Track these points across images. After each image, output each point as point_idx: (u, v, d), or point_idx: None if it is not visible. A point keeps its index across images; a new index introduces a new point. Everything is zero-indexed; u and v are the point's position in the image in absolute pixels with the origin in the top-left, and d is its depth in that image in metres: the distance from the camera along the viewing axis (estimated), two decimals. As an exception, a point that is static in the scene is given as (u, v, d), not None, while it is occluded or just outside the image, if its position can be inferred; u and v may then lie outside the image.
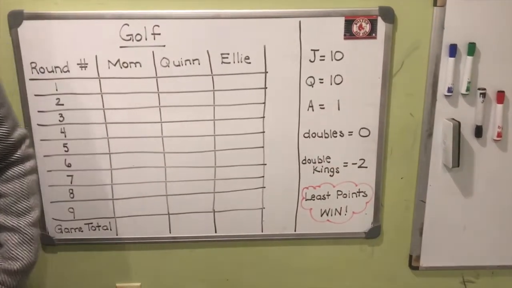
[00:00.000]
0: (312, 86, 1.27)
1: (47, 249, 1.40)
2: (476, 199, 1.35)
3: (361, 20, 1.22)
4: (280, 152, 1.31)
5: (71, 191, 1.33)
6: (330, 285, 1.47)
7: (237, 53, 1.23)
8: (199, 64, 1.24)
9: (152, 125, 1.28)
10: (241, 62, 1.24)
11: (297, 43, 1.23)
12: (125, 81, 1.24)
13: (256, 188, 1.34)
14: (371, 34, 1.23)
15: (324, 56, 1.24)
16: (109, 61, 1.23)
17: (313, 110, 1.29)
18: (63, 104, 1.26)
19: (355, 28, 1.22)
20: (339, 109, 1.29)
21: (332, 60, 1.24)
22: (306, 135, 1.31)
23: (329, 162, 1.33)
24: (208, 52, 1.23)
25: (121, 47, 1.22)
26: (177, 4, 1.21)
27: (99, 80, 1.24)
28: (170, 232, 1.38)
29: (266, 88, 1.27)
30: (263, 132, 1.30)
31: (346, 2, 1.22)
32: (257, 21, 1.21)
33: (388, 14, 1.22)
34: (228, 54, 1.23)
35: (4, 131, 0.92)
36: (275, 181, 1.34)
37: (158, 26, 1.21)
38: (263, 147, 1.31)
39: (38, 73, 1.23)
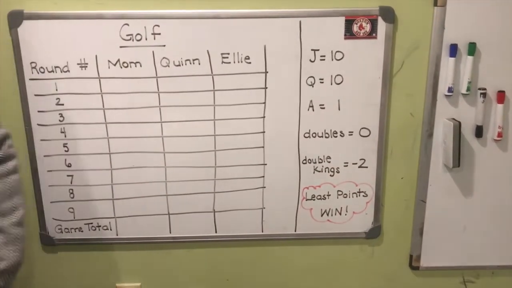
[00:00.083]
0: (313, 86, 1.27)
1: (47, 249, 1.40)
2: (477, 199, 1.35)
3: (362, 20, 1.22)
4: (280, 152, 1.31)
5: (71, 191, 1.33)
6: (331, 285, 1.47)
7: (237, 53, 1.23)
8: (199, 64, 1.24)
9: (152, 125, 1.28)
10: (241, 62, 1.24)
11: (298, 43, 1.23)
12: (125, 81, 1.24)
13: (256, 188, 1.34)
14: (372, 34, 1.23)
15: (324, 56, 1.24)
16: (109, 61, 1.23)
17: (313, 110, 1.28)
18: (63, 104, 1.26)
19: (355, 28, 1.22)
20: (339, 109, 1.28)
21: (332, 60, 1.24)
22: (307, 135, 1.31)
23: (329, 162, 1.33)
24: (208, 52, 1.23)
25: (121, 47, 1.22)
26: (177, 4, 1.21)
27: (99, 80, 1.24)
28: (170, 232, 1.38)
29: (266, 88, 1.26)
30: (263, 132, 1.30)
31: (346, 2, 1.21)
32: (257, 21, 1.21)
33: (388, 14, 1.22)
34: (228, 54, 1.23)
35: None
36: (276, 181, 1.34)
37: (158, 26, 1.20)
38: (263, 147, 1.31)
39: (38, 73, 1.23)
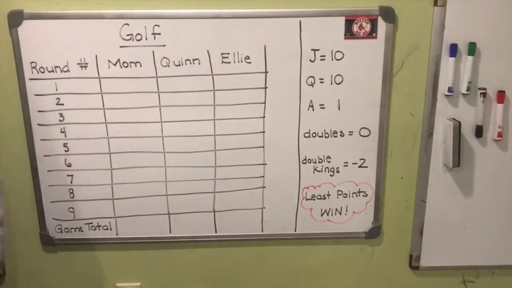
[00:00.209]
0: (313, 86, 1.27)
1: (47, 249, 1.40)
2: (477, 199, 1.35)
3: (362, 20, 1.22)
4: (281, 152, 1.31)
5: (71, 190, 1.33)
6: (330, 285, 1.47)
7: (237, 52, 1.23)
8: (199, 64, 1.24)
9: (152, 125, 1.28)
10: (241, 62, 1.24)
11: (298, 43, 1.23)
12: (125, 81, 1.24)
13: (256, 188, 1.34)
14: (372, 33, 1.23)
15: (324, 56, 1.24)
16: (109, 60, 1.23)
17: (313, 110, 1.28)
18: (63, 104, 1.26)
19: (355, 27, 1.22)
20: (339, 109, 1.28)
21: (332, 60, 1.24)
22: (307, 135, 1.30)
23: (329, 162, 1.33)
24: (208, 52, 1.23)
25: (121, 46, 1.22)
26: (177, 4, 1.21)
27: (99, 80, 1.24)
28: (170, 232, 1.38)
29: (266, 88, 1.26)
30: (263, 132, 1.30)
31: (346, 2, 1.21)
32: (257, 20, 1.21)
33: (388, 14, 1.22)
34: (228, 53, 1.23)
35: None
36: (276, 181, 1.34)
37: (158, 26, 1.20)
38: (263, 147, 1.31)
39: (38, 72, 1.23)
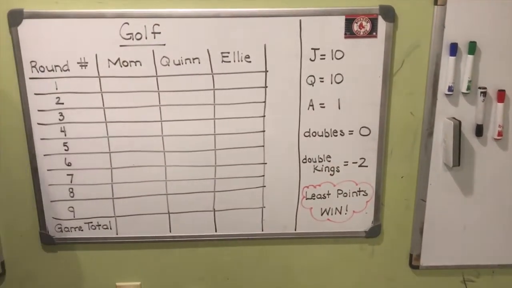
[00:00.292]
0: (313, 85, 1.27)
1: (47, 248, 1.40)
2: (477, 198, 1.35)
3: (362, 19, 1.22)
4: (281, 151, 1.31)
5: (71, 190, 1.33)
6: (330, 284, 1.47)
7: (238, 52, 1.23)
8: (199, 63, 1.24)
9: (152, 124, 1.28)
10: (242, 61, 1.24)
11: (298, 42, 1.23)
12: (125, 80, 1.24)
13: (257, 187, 1.34)
14: (372, 33, 1.23)
15: (324, 55, 1.24)
16: (109, 60, 1.23)
17: (313, 109, 1.28)
18: (63, 103, 1.26)
19: (355, 27, 1.22)
20: (339, 108, 1.28)
21: (332, 59, 1.24)
22: (307, 134, 1.30)
23: (329, 161, 1.33)
24: (208, 51, 1.23)
25: (121, 46, 1.22)
26: (177, 3, 1.21)
27: (99, 79, 1.24)
28: (170, 231, 1.38)
29: (266, 87, 1.26)
30: (264, 131, 1.30)
31: (346, 1, 1.21)
32: (258, 20, 1.21)
33: (388, 13, 1.22)
34: (229, 53, 1.23)
35: None
36: (276, 180, 1.34)
37: (158, 25, 1.20)
38: (263, 146, 1.31)
39: (38, 72, 1.23)
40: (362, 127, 1.30)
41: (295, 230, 1.39)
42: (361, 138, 1.31)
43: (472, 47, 1.22)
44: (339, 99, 1.28)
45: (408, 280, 1.46)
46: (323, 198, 1.36)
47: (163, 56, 1.23)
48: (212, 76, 1.25)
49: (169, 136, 1.29)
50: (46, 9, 1.20)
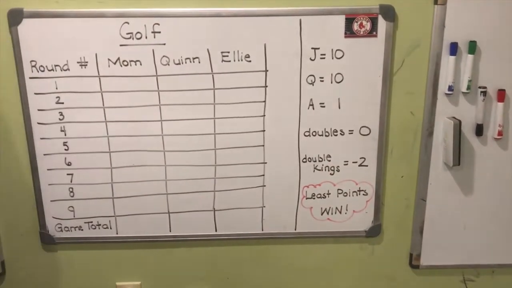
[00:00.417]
0: (313, 85, 1.27)
1: (47, 248, 1.40)
2: (477, 198, 1.35)
3: (362, 18, 1.22)
4: (281, 150, 1.31)
5: (71, 189, 1.33)
6: (331, 283, 1.47)
7: (238, 51, 1.23)
8: (199, 62, 1.24)
9: (152, 123, 1.28)
10: (242, 60, 1.24)
11: (298, 41, 1.23)
12: (125, 80, 1.24)
13: (257, 187, 1.34)
14: (372, 32, 1.23)
15: (324, 55, 1.24)
16: (109, 59, 1.23)
17: (313, 108, 1.28)
18: (63, 103, 1.26)
19: (355, 26, 1.22)
20: (339, 108, 1.28)
21: (332, 58, 1.24)
22: (307, 133, 1.30)
23: (329, 160, 1.33)
24: (208, 51, 1.23)
25: (121, 45, 1.22)
26: (177, 2, 1.21)
27: (99, 79, 1.24)
28: (170, 231, 1.38)
29: (266, 86, 1.26)
30: (264, 130, 1.30)
31: (346, 0, 1.21)
32: (258, 19, 1.21)
33: (388, 12, 1.22)
34: (229, 52, 1.23)
35: None
36: (276, 180, 1.34)
37: (158, 24, 1.20)
38: (263, 145, 1.31)
39: (38, 71, 1.23)
40: (362, 126, 1.30)
41: (295, 229, 1.39)
42: (361, 137, 1.31)
43: (472, 47, 1.22)
44: (339, 99, 1.28)
45: (408, 280, 1.46)
46: (323, 197, 1.36)
47: (163, 56, 1.23)
48: (212, 75, 1.25)
49: (169, 136, 1.29)
50: (46, 9, 1.20)
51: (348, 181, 1.35)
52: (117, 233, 1.37)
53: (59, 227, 1.36)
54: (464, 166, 1.32)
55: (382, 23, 1.22)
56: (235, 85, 1.26)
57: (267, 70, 1.25)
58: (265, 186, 1.34)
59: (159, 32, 1.21)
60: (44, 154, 1.30)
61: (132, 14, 1.20)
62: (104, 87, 1.25)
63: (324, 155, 1.33)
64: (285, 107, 1.28)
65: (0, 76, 1.25)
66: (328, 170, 1.34)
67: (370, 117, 1.29)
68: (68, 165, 1.31)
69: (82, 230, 1.37)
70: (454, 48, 1.23)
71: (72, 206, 1.34)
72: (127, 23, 1.20)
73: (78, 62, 1.23)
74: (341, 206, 1.37)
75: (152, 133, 1.29)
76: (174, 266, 1.43)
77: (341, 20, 1.21)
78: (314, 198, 1.36)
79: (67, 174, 1.31)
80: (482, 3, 1.20)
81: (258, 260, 1.43)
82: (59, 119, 1.27)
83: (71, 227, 1.36)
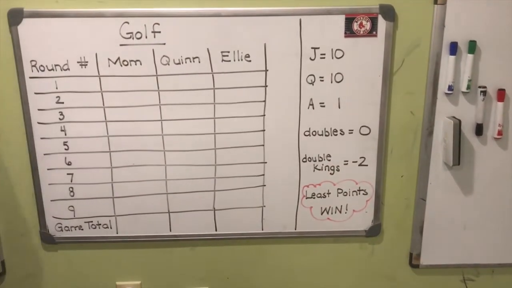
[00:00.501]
0: (313, 84, 1.27)
1: (48, 248, 1.40)
2: (477, 197, 1.35)
3: (362, 18, 1.22)
4: (281, 150, 1.31)
5: (71, 189, 1.33)
6: (331, 283, 1.47)
7: (238, 51, 1.23)
8: (199, 62, 1.24)
9: (152, 123, 1.28)
10: (242, 60, 1.24)
11: (298, 41, 1.23)
12: (125, 79, 1.24)
13: (257, 187, 1.34)
14: (372, 32, 1.23)
15: (324, 54, 1.24)
16: (109, 59, 1.23)
17: (313, 108, 1.28)
18: (63, 102, 1.26)
19: (355, 26, 1.22)
20: (339, 107, 1.28)
21: (332, 58, 1.24)
22: (307, 133, 1.30)
23: (329, 160, 1.33)
24: (208, 50, 1.23)
25: (121, 45, 1.22)
26: (177, 2, 1.21)
27: (99, 78, 1.24)
28: (170, 231, 1.38)
29: (266, 86, 1.26)
30: (264, 130, 1.30)
31: (346, 0, 1.21)
32: (258, 19, 1.21)
33: (388, 12, 1.22)
34: (229, 52, 1.23)
35: None
36: (276, 180, 1.34)
37: (158, 24, 1.20)
38: (263, 145, 1.31)
39: (38, 71, 1.23)
40: (362, 126, 1.30)
41: (295, 229, 1.39)
42: (361, 137, 1.31)
43: (472, 46, 1.22)
44: (339, 98, 1.28)
45: (408, 279, 1.46)
46: (323, 197, 1.36)
47: (163, 55, 1.23)
48: (212, 75, 1.25)
49: (169, 135, 1.29)
50: (46, 8, 1.20)
51: (348, 180, 1.35)
52: (117, 233, 1.37)
53: (59, 227, 1.36)
54: (464, 165, 1.32)
55: (382, 23, 1.22)
56: (235, 85, 1.26)
57: (267, 70, 1.25)
58: (265, 185, 1.34)
59: (159, 32, 1.21)
60: (44, 154, 1.30)
61: (132, 14, 1.20)
62: (104, 87, 1.25)
63: (324, 154, 1.33)
64: (285, 107, 1.28)
65: (0, 76, 1.25)
66: (328, 170, 1.34)
67: (370, 116, 1.29)
68: (68, 164, 1.31)
69: (82, 229, 1.37)
70: (454, 48, 1.23)
71: (72, 206, 1.34)
72: (127, 23, 1.20)
73: (78, 62, 1.23)
74: (341, 206, 1.37)
75: (152, 133, 1.29)
76: (174, 265, 1.43)
77: (341, 20, 1.21)
78: (314, 198, 1.36)
79: (67, 174, 1.32)
80: (482, 3, 1.20)
81: (258, 260, 1.44)
82: (59, 118, 1.27)
83: (71, 227, 1.36)
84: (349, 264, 1.45)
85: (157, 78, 1.24)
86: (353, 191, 1.36)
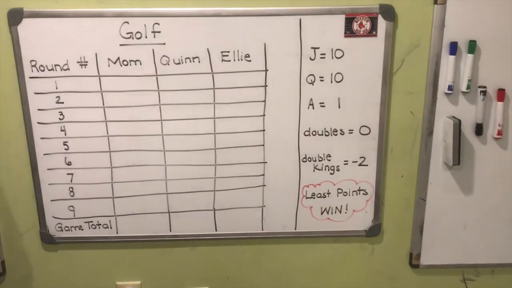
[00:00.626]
0: (313, 84, 1.27)
1: (48, 248, 1.40)
2: (477, 197, 1.35)
3: (362, 18, 1.22)
4: (281, 150, 1.31)
5: (71, 189, 1.33)
6: (330, 283, 1.47)
7: (238, 51, 1.23)
8: (199, 62, 1.24)
9: (152, 123, 1.28)
10: (242, 60, 1.24)
11: (298, 41, 1.23)
12: (125, 79, 1.24)
13: (257, 187, 1.34)
14: (372, 32, 1.23)
15: (324, 54, 1.24)
16: (109, 59, 1.23)
17: (313, 108, 1.28)
18: (63, 102, 1.26)
19: (355, 26, 1.22)
20: (339, 107, 1.28)
21: (332, 58, 1.24)
22: (307, 133, 1.30)
23: (329, 160, 1.33)
24: (208, 50, 1.23)
25: (121, 45, 1.22)
26: (177, 2, 1.21)
27: (99, 78, 1.24)
28: (170, 231, 1.38)
29: (266, 86, 1.26)
30: (264, 130, 1.30)
31: (346, 0, 1.21)
32: (258, 19, 1.21)
33: (388, 12, 1.22)
34: (229, 52, 1.23)
35: None
36: (276, 179, 1.34)
37: (158, 24, 1.20)
38: (263, 145, 1.31)
39: (38, 71, 1.23)
40: (362, 126, 1.30)
41: (295, 229, 1.39)
42: (361, 137, 1.31)
43: (472, 46, 1.22)
44: (339, 98, 1.28)
45: (408, 279, 1.46)
46: (323, 197, 1.36)
47: (163, 55, 1.23)
48: (212, 75, 1.25)
49: (169, 135, 1.29)
50: (46, 8, 1.20)
51: (348, 180, 1.35)
52: (117, 233, 1.37)
53: (59, 227, 1.36)
54: (464, 165, 1.32)
55: (382, 23, 1.22)
56: (235, 85, 1.26)
57: (267, 70, 1.25)
58: (265, 185, 1.34)
59: (159, 32, 1.21)
60: (44, 154, 1.30)
61: (132, 14, 1.20)
62: (104, 87, 1.25)
63: (324, 154, 1.33)
64: (285, 106, 1.28)
65: (0, 76, 1.25)
66: (328, 170, 1.34)
67: (370, 116, 1.29)
68: (68, 164, 1.31)
69: (82, 229, 1.37)
70: (454, 48, 1.23)
71: (72, 206, 1.34)
72: (127, 22, 1.20)
73: (78, 62, 1.23)
74: (341, 206, 1.37)
75: (152, 133, 1.29)
76: (174, 265, 1.43)
77: (341, 19, 1.21)
78: (314, 198, 1.36)
79: (67, 174, 1.31)
80: (482, 3, 1.20)
81: (258, 259, 1.44)
82: (59, 118, 1.27)
83: (71, 227, 1.36)
84: (349, 264, 1.45)
85: (157, 78, 1.24)
86: (353, 191, 1.36)
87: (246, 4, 1.21)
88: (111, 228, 1.37)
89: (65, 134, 1.28)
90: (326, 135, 1.31)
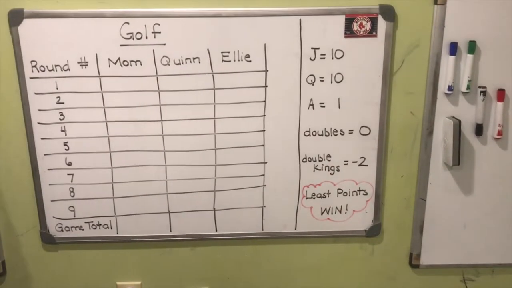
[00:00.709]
0: (313, 85, 1.27)
1: (48, 248, 1.40)
2: (477, 197, 1.35)
3: (362, 18, 1.22)
4: (281, 150, 1.32)
5: (71, 189, 1.33)
6: (331, 283, 1.47)
7: (238, 51, 1.23)
8: (199, 62, 1.24)
9: (152, 123, 1.28)
10: (242, 60, 1.24)
11: (298, 41, 1.23)
12: (126, 80, 1.24)
13: (257, 187, 1.34)
14: (372, 32, 1.23)
15: (324, 55, 1.24)
16: (109, 59, 1.23)
17: (313, 108, 1.28)
18: (63, 103, 1.26)
19: (355, 26, 1.22)
20: (339, 108, 1.29)
21: (332, 58, 1.24)
22: (307, 133, 1.31)
23: (329, 160, 1.33)
24: (208, 51, 1.23)
25: (121, 45, 1.22)
26: (178, 2, 1.21)
27: (100, 79, 1.24)
28: (170, 231, 1.38)
29: (266, 86, 1.27)
30: (264, 130, 1.30)
31: (346, 0, 1.21)
32: (258, 19, 1.21)
33: (388, 12, 1.22)
34: (229, 52, 1.23)
35: None
36: (276, 180, 1.34)
37: (158, 24, 1.20)
38: (263, 145, 1.31)
39: (38, 71, 1.23)
40: (362, 126, 1.30)
41: (295, 229, 1.39)
42: (361, 137, 1.31)
43: (472, 47, 1.22)
44: (339, 99, 1.28)
45: (408, 279, 1.46)
46: (323, 197, 1.36)
47: (163, 56, 1.23)
48: (212, 75, 1.25)
49: (169, 136, 1.29)
50: (47, 9, 1.20)
51: (348, 180, 1.35)
52: (117, 233, 1.37)
53: (59, 227, 1.37)
54: (464, 166, 1.32)
55: (382, 23, 1.22)
56: (235, 85, 1.26)
57: (267, 70, 1.25)
58: (265, 186, 1.35)
59: (159, 32, 1.21)
60: (45, 154, 1.30)
61: (132, 14, 1.20)
62: (105, 87, 1.25)
63: (324, 155, 1.33)
64: (285, 107, 1.28)
65: (0, 76, 1.25)
66: (328, 170, 1.34)
67: (370, 116, 1.29)
68: (69, 165, 1.31)
69: (82, 230, 1.37)
70: (453, 48, 1.23)
71: (72, 206, 1.35)
72: (127, 23, 1.20)
73: (78, 62, 1.23)
74: (341, 206, 1.37)
75: (153, 133, 1.29)
76: (174, 265, 1.43)
77: (341, 20, 1.22)
78: (314, 198, 1.36)
79: (68, 174, 1.32)
80: (482, 3, 1.21)
81: (258, 259, 1.44)
82: (60, 119, 1.27)
83: (71, 227, 1.37)
84: (349, 264, 1.45)
85: (157, 78, 1.25)
86: (353, 191, 1.36)
87: (246, 5, 1.21)
88: (111, 228, 1.37)
89: (66, 135, 1.28)
90: (326, 135, 1.31)
